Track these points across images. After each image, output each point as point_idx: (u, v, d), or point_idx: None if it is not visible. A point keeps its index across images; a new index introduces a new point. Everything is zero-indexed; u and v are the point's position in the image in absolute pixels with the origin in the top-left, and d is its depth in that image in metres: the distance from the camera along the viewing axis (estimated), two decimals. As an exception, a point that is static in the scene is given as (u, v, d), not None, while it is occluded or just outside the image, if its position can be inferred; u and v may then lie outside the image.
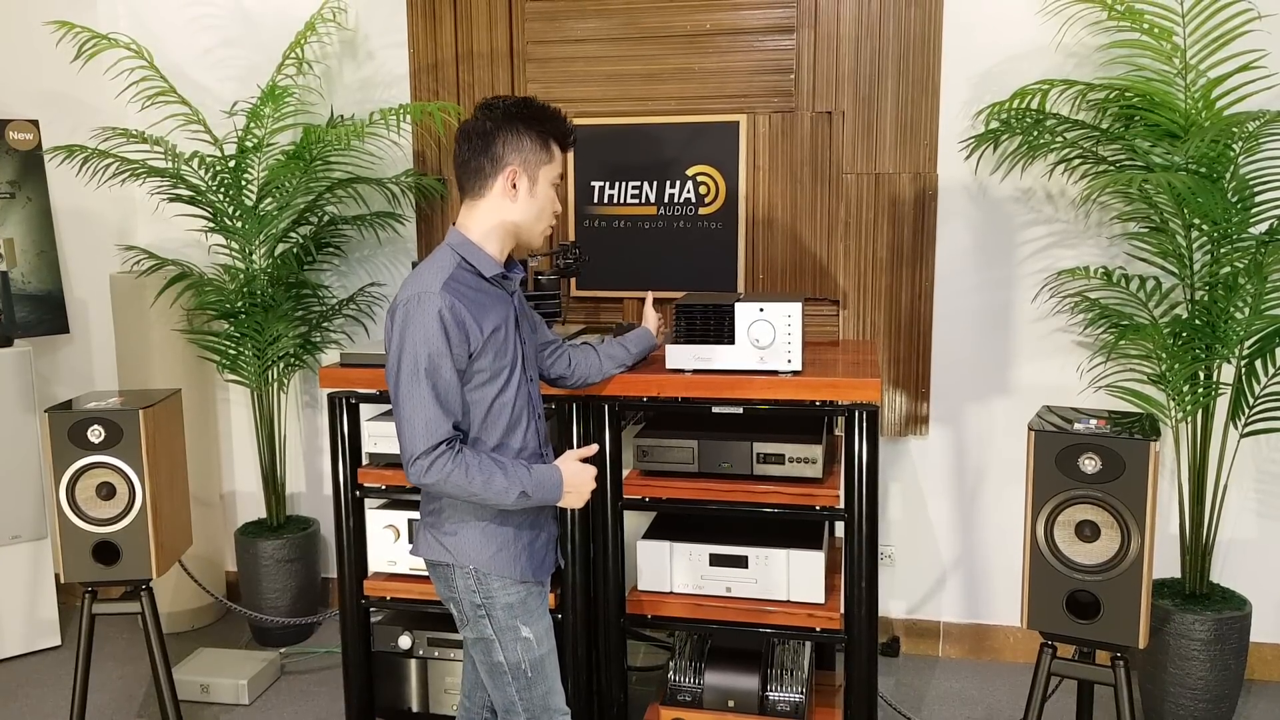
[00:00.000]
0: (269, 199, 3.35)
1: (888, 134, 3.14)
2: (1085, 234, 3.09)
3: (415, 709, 2.87)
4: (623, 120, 3.28)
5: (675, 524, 2.76)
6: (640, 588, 2.65)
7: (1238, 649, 2.74)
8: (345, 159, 3.43)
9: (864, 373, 2.51)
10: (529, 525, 2.04)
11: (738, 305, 2.44)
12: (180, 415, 2.83)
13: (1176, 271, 2.81)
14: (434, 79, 3.45)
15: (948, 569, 3.33)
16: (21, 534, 3.40)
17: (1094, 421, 2.25)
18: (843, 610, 2.52)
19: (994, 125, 2.97)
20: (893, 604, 3.38)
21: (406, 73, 3.48)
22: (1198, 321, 2.73)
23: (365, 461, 2.76)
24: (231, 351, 3.43)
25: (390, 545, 2.75)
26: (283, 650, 3.45)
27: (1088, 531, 2.17)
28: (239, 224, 3.36)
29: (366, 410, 2.77)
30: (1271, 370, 2.75)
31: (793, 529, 2.69)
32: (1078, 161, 2.92)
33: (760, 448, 2.54)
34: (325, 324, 3.55)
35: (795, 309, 2.41)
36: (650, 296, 2.69)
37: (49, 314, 3.58)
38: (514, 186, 1.97)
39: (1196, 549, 2.82)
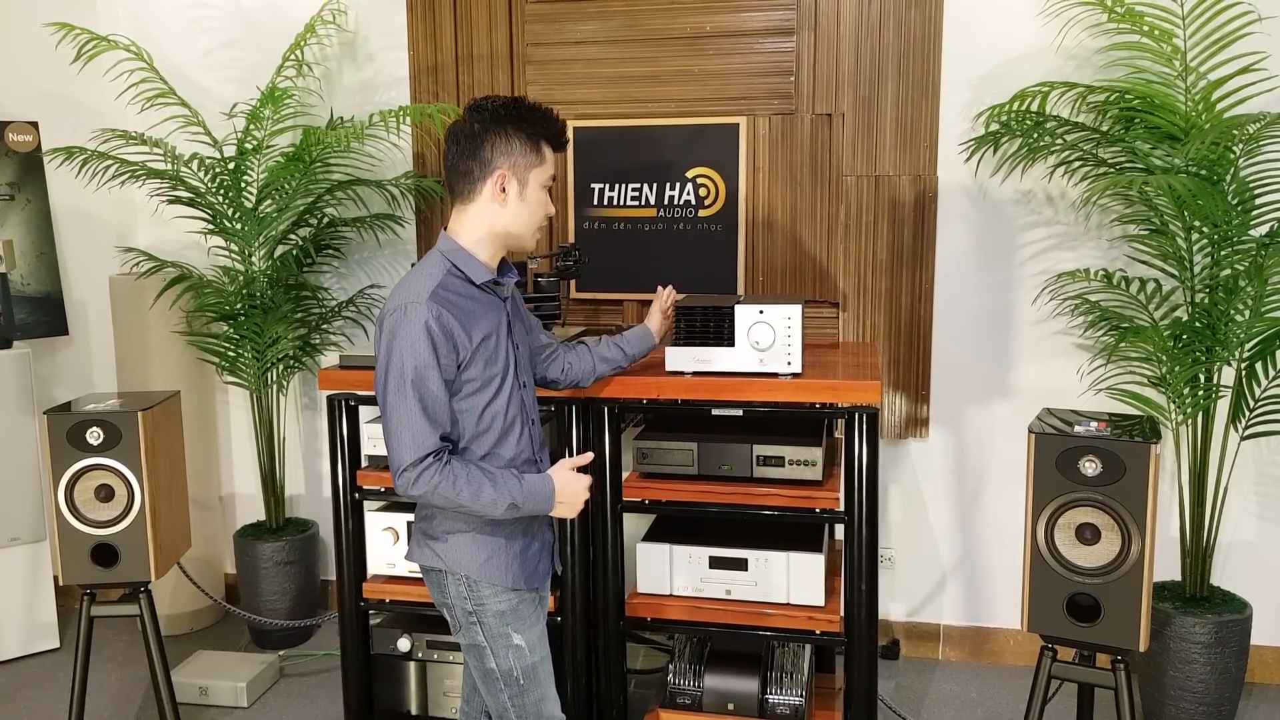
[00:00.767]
0: (268, 201, 3.35)
1: (888, 136, 3.13)
2: (1085, 236, 3.08)
3: (414, 712, 2.87)
4: (623, 122, 3.28)
5: (675, 526, 2.76)
6: (640, 590, 2.65)
7: (1238, 652, 2.73)
8: (345, 161, 3.43)
9: (864, 375, 2.50)
10: (521, 533, 2.03)
11: (738, 307, 2.44)
12: (179, 417, 2.83)
13: (1177, 274, 2.80)
14: (434, 81, 3.44)
15: (948, 571, 3.33)
16: (20, 536, 3.39)
17: (1094, 424, 2.25)
18: (843, 613, 2.51)
19: (994, 127, 2.97)
20: (893, 607, 3.37)
21: (406, 75, 3.48)
22: (1198, 324, 2.73)
23: (364, 464, 2.76)
24: (231, 353, 3.43)
25: (389, 547, 2.74)
26: (282, 653, 3.45)
27: (1088, 534, 2.16)
28: (238, 226, 3.36)
29: (366, 412, 2.76)
30: (1272, 373, 2.75)
31: (792, 531, 2.69)
32: (1078, 164, 2.92)
33: (760, 450, 2.54)
34: (325, 326, 3.55)
35: (795, 311, 2.41)
36: (660, 292, 2.57)
37: (48, 316, 3.58)
38: (503, 191, 1.94)
39: (1197, 552, 2.81)
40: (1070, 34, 2.98)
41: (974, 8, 3.06)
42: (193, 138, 3.38)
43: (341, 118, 3.50)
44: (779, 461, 2.53)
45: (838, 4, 3.11)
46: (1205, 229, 2.70)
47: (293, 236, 3.46)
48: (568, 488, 1.99)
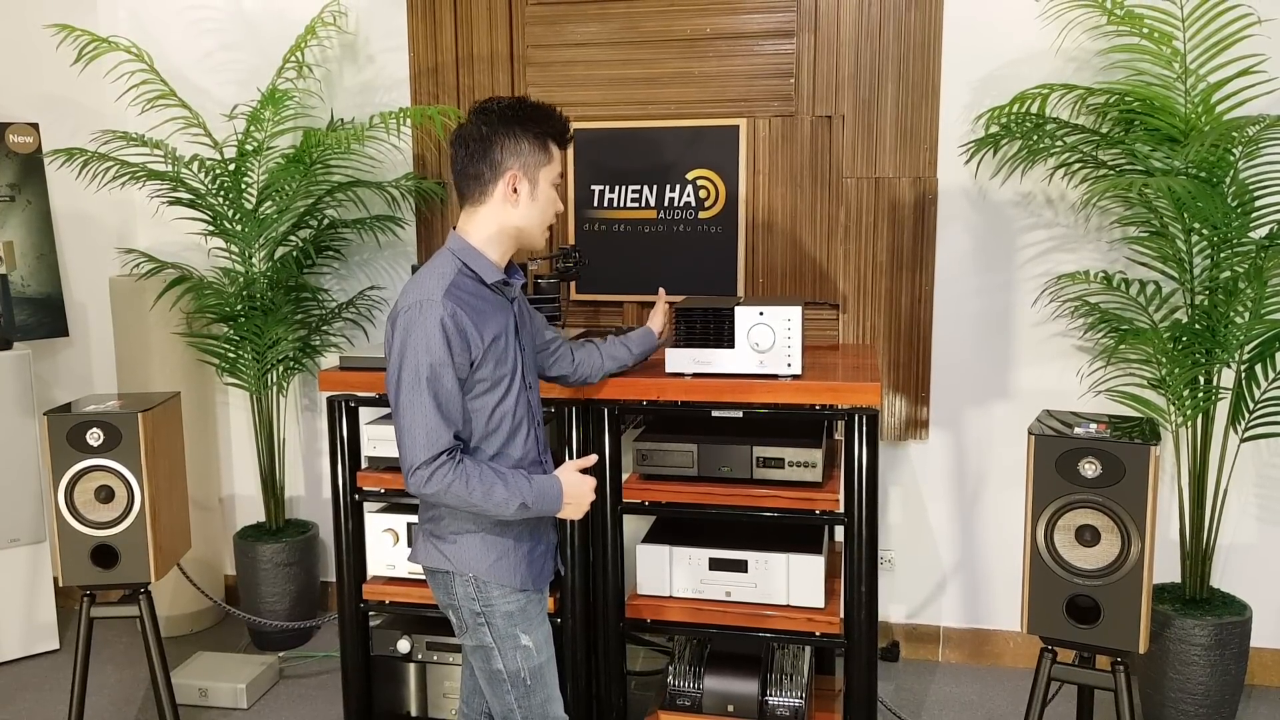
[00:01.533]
0: (269, 202, 3.35)
1: (888, 138, 3.14)
2: (1085, 238, 3.09)
3: (414, 713, 2.87)
4: (623, 124, 3.28)
5: (675, 528, 2.76)
6: (640, 592, 2.65)
7: (1238, 654, 2.73)
8: (345, 162, 3.43)
9: (864, 377, 2.51)
10: (529, 534, 2.03)
11: (738, 309, 2.44)
12: (179, 418, 2.83)
13: (1176, 276, 2.80)
14: (434, 83, 3.45)
15: (948, 573, 3.33)
16: (20, 537, 3.39)
17: (1094, 426, 2.25)
18: (842, 615, 2.51)
19: (994, 129, 2.97)
20: (892, 608, 3.37)
21: (406, 76, 3.48)
22: (1198, 326, 2.73)
23: (364, 465, 2.76)
24: (231, 355, 3.43)
25: (389, 549, 2.74)
26: (281, 654, 3.45)
27: (1088, 536, 2.16)
28: (239, 227, 3.36)
29: (366, 413, 2.77)
30: (1272, 375, 2.75)
31: (792, 533, 2.69)
32: (1078, 166, 2.92)
33: (760, 452, 2.54)
34: (325, 327, 3.55)
35: (795, 313, 2.41)
36: (663, 296, 2.63)
37: (48, 317, 3.58)
38: (515, 191, 1.95)
39: (1197, 554, 2.81)
40: (1070, 36, 2.98)
41: (974, 10, 3.06)
42: (193, 139, 3.38)
43: (342, 119, 3.50)
44: (779, 463, 2.53)
45: (838, 6, 3.11)
46: (1205, 231, 2.70)
47: (293, 238, 3.46)
48: (575, 489, 1.99)
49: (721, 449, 2.57)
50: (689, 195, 3.26)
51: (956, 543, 3.30)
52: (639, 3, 3.23)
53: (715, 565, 2.59)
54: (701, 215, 3.26)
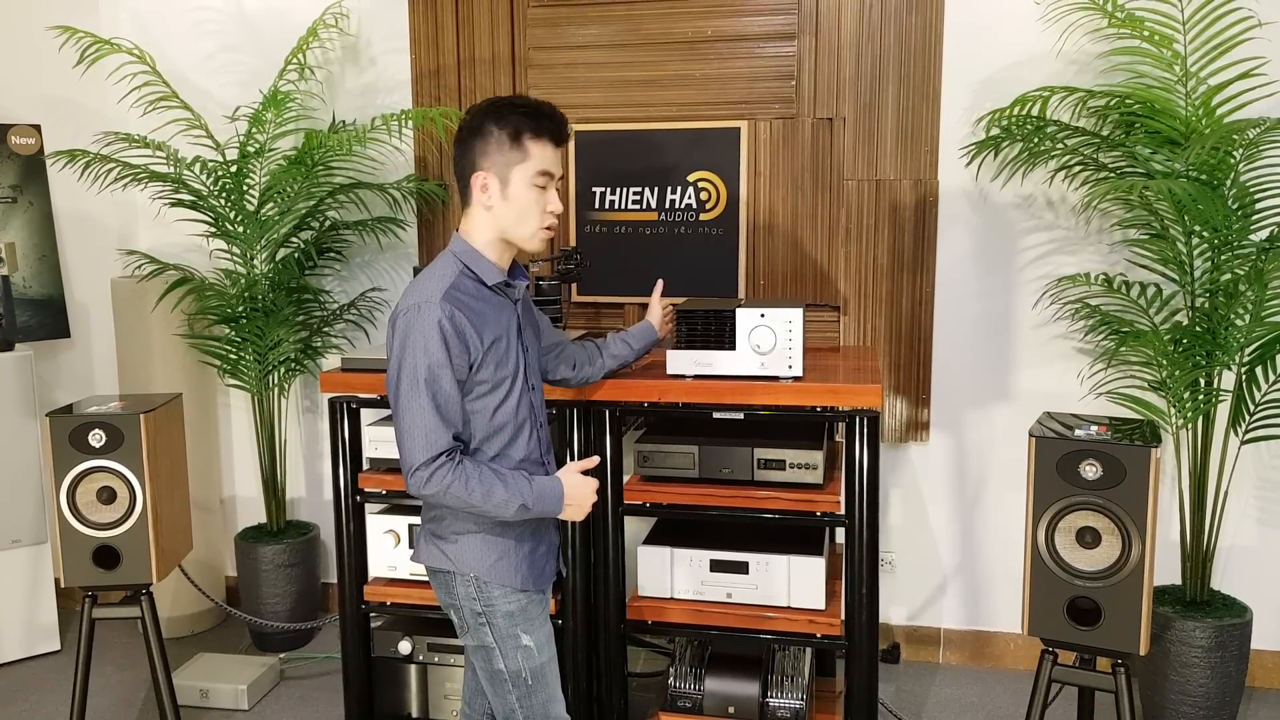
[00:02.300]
0: (270, 204, 3.36)
1: (888, 140, 3.14)
2: (1086, 241, 3.09)
3: (415, 714, 2.87)
4: (624, 126, 3.29)
5: (676, 530, 2.76)
6: (641, 593, 2.65)
7: (1238, 656, 2.74)
8: (347, 164, 3.44)
9: (865, 379, 2.51)
10: (530, 534, 2.03)
11: (739, 311, 2.44)
12: (181, 420, 2.83)
13: (1177, 278, 2.81)
14: (436, 84, 3.45)
15: (948, 575, 3.33)
16: (21, 538, 3.40)
17: (1095, 428, 2.25)
18: (843, 616, 2.51)
19: (995, 132, 2.98)
20: (893, 610, 3.38)
21: (408, 78, 3.49)
22: (1198, 328, 2.73)
23: (366, 466, 2.76)
24: (232, 356, 3.43)
25: (390, 550, 2.75)
26: (282, 655, 3.45)
27: (1088, 538, 2.17)
28: (240, 229, 3.36)
29: (367, 415, 2.77)
30: (1272, 377, 2.76)
31: (793, 535, 2.69)
32: (1078, 168, 2.93)
33: (761, 453, 2.54)
34: (326, 329, 3.55)
35: (796, 315, 2.42)
36: (659, 287, 2.62)
37: (50, 318, 3.58)
38: (484, 190, 1.93)
39: (1197, 556, 2.82)
40: (1071, 39, 2.98)
41: (975, 12, 3.07)
42: (195, 141, 3.38)
43: (343, 121, 3.50)
44: (780, 465, 2.53)
45: (838, 9, 3.12)
46: (1205, 233, 2.70)
47: (294, 239, 3.46)
48: (576, 490, 1.99)
49: (723, 450, 2.57)
50: (690, 197, 3.26)
51: (957, 544, 3.30)
52: (640, 5, 3.24)
53: (716, 567, 2.59)
54: (703, 217, 3.26)
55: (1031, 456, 2.21)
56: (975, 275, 3.18)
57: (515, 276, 2.03)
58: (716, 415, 2.53)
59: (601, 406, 2.54)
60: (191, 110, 3.33)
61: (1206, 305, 2.74)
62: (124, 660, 3.43)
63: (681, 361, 2.50)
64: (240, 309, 3.37)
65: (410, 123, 3.30)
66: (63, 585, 2.67)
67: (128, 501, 2.58)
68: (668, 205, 3.28)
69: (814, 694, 2.77)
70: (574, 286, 3.37)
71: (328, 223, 3.48)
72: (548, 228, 1.98)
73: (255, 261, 3.39)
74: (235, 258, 3.41)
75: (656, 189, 3.29)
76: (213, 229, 3.38)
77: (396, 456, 2.56)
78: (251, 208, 3.36)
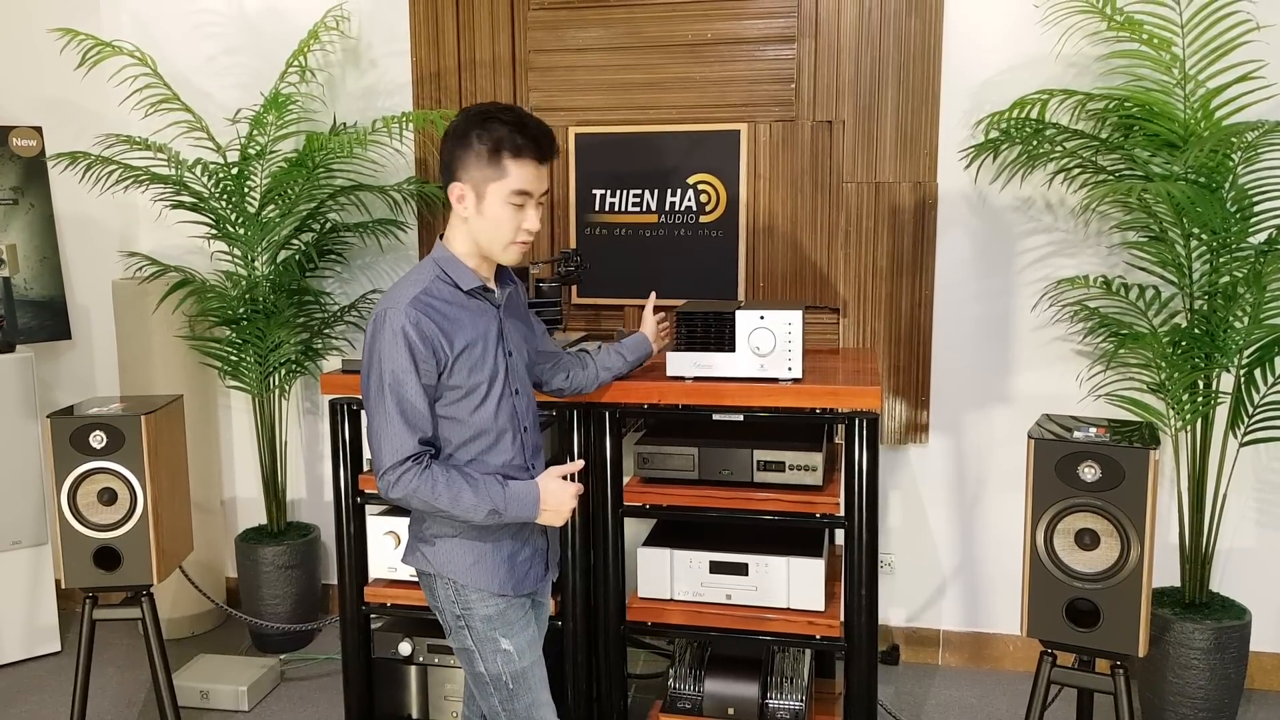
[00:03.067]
0: (271, 206, 3.36)
1: (888, 143, 3.15)
2: (1085, 243, 3.09)
3: (415, 716, 2.87)
4: (624, 129, 3.29)
5: (675, 531, 2.77)
6: (640, 595, 2.66)
7: (1237, 658, 2.74)
8: (348, 166, 3.44)
9: (864, 381, 2.51)
10: (510, 538, 2.01)
11: (738, 313, 2.45)
12: (182, 421, 2.84)
13: (1176, 281, 2.81)
14: (436, 87, 3.46)
15: (947, 577, 3.33)
16: (22, 539, 3.40)
17: (1093, 430, 2.26)
18: (843, 618, 2.52)
19: (994, 135, 2.98)
20: (892, 612, 3.38)
21: (409, 81, 3.49)
22: (1197, 330, 2.74)
23: (366, 468, 2.76)
24: (233, 358, 3.44)
25: (390, 552, 2.75)
26: (283, 656, 3.45)
27: (1087, 540, 2.17)
28: (241, 231, 3.37)
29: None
30: (1271, 379, 2.76)
31: (793, 536, 2.70)
32: (1077, 171, 2.93)
33: (760, 455, 2.55)
34: (327, 330, 3.56)
35: (796, 317, 2.42)
36: (651, 301, 2.66)
37: (51, 320, 3.59)
38: (460, 201, 1.92)
39: (1196, 558, 2.82)
40: (1070, 42, 2.99)
41: (974, 15, 3.07)
42: (196, 143, 3.39)
43: (344, 123, 3.51)
44: (779, 466, 2.54)
45: (838, 12, 3.12)
46: (1204, 236, 2.71)
47: (295, 241, 3.47)
48: (553, 495, 1.95)
49: (722, 452, 2.57)
50: (690, 199, 3.27)
51: (956, 546, 3.31)
52: (641, 8, 3.25)
53: (716, 568, 2.60)
54: (702, 219, 3.27)
55: (1030, 458, 2.21)
56: (974, 277, 3.18)
57: (502, 283, 2.03)
58: (716, 417, 2.54)
59: (601, 408, 2.55)
60: (192, 112, 3.34)
61: (1205, 307, 2.74)
62: (124, 661, 3.43)
63: (681, 363, 2.51)
64: (241, 311, 3.38)
65: (411, 125, 3.30)
66: (63, 586, 2.68)
67: (128, 503, 2.59)
68: (668, 207, 3.29)
69: (813, 695, 2.77)
70: (574, 289, 3.37)
71: (328, 225, 3.49)
72: (522, 242, 1.95)
73: (256, 263, 3.40)
74: (236, 259, 3.42)
75: (656, 191, 3.29)
76: (214, 231, 3.38)
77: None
78: (252, 210, 3.36)
